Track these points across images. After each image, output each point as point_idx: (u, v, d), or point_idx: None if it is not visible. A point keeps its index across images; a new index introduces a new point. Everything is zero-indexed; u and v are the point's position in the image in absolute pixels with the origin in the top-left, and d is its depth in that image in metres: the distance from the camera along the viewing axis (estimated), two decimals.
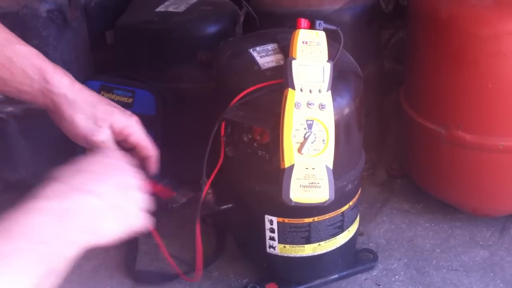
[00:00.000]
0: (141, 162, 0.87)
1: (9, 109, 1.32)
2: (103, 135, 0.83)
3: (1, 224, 0.57)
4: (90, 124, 0.82)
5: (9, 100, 1.31)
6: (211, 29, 1.38)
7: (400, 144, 1.44)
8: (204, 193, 1.03)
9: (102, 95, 1.28)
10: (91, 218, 0.63)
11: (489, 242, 1.25)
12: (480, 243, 1.25)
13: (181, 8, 1.41)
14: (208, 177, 1.02)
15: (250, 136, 0.98)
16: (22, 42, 0.83)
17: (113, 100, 1.27)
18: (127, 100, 1.25)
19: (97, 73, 1.37)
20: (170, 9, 1.42)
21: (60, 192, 0.63)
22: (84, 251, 0.62)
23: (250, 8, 1.34)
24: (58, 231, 0.59)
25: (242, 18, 1.40)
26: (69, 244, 0.60)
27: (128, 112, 0.87)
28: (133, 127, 0.86)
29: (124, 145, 0.86)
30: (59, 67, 0.83)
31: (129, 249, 1.25)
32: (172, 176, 0.94)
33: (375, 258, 1.20)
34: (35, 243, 0.57)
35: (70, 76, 0.84)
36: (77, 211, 0.62)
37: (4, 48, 0.81)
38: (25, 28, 1.25)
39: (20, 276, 0.55)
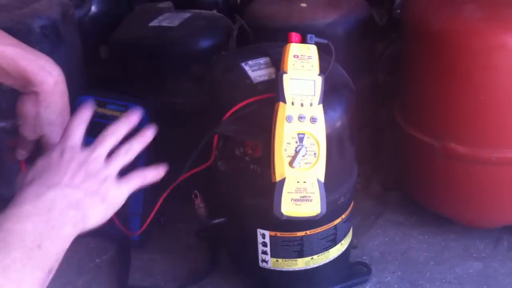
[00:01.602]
0: None
1: (1, 124, 1.32)
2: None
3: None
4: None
5: (1, 115, 1.31)
6: (205, 43, 1.39)
7: (394, 156, 1.44)
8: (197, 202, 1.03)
9: (95, 110, 1.28)
10: (73, 209, 0.64)
11: (483, 254, 1.25)
12: (474, 255, 1.25)
13: (175, 22, 1.42)
14: (199, 190, 1.03)
15: (242, 150, 0.98)
16: None
17: (105, 114, 1.28)
18: (120, 115, 1.25)
19: (90, 88, 1.37)
20: (164, 24, 1.42)
21: (37, 193, 0.63)
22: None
23: (243, 23, 1.35)
24: (48, 232, 0.60)
25: (236, 33, 1.40)
26: (62, 239, 0.61)
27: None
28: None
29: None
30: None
31: (121, 264, 1.25)
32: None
33: (368, 271, 1.20)
34: (30, 250, 0.58)
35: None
36: (58, 207, 0.63)
37: None
38: None
39: (23, 285, 0.55)
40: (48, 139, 0.80)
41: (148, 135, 0.75)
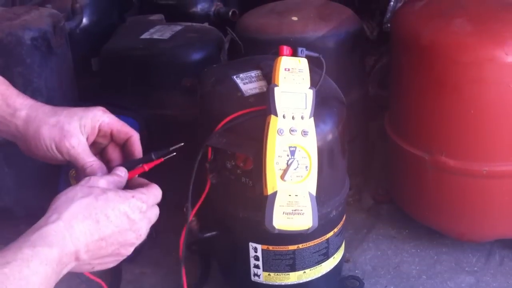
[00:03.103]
0: (125, 149, 0.82)
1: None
2: (74, 139, 0.76)
3: (11, 266, 0.58)
4: (56, 132, 0.76)
5: None
6: (196, 56, 1.39)
7: (385, 169, 1.44)
8: (190, 219, 1.02)
9: None
10: (73, 270, 0.65)
11: (475, 268, 1.25)
12: (466, 269, 1.25)
13: (166, 35, 1.42)
14: (193, 204, 1.02)
15: (234, 163, 0.98)
16: None
17: None
18: None
19: (81, 100, 1.37)
20: (155, 36, 1.42)
21: (66, 245, 0.63)
22: None
23: (235, 35, 1.35)
24: (54, 282, 0.62)
25: (227, 45, 1.41)
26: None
27: (91, 108, 0.81)
28: (101, 116, 0.79)
29: (103, 140, 0.81)
30: (22, 93, 0.80)
31: (112, 278, 1.23)
32: None
33: (361, 285, 1.19)
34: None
35: (33, 99, 0.80)
36: (67, 266, 0.64)
37: None
38: (9, 56, 1.24)
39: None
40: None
41: None
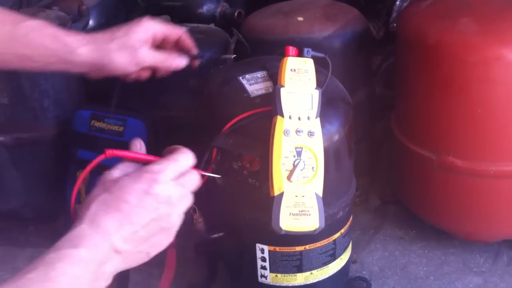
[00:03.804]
0: (179, 45, 0.99)
1: (0, 138, 1.32)
2: (141, 53, 0.92)
3: (36, 271, 0.56)
4: (125, 54, 0.91)
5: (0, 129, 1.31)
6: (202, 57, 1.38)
7: (392, 169, 1.44)
8: (197, 220, 1.02)
9: (93, 124, 1.29)
10: (120, 264, 0.63)
11: (483, 269, 1.24)
12: (474, 269, 1.24)
13: None
14: (200, 206, 1.02)
15: (240, 164, 0.98)
16: (30, 17, 0.89)
17: (104, 128, 1.28)
18: (118, 128, 1.25)
19: (88, 102, 1.37)
20: None
21: (96, 242, 0.61)
22: None
23: (240, 36, 1.35)
24: (91, 283, 0.60)
25: (233, 46, 1.40)
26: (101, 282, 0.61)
27: (140, 21, 0.95)
28: (153, 26, 0.95)
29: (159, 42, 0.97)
30: (70, 31, 0.93)
31: (120, 279, 1.23)
32: None
33: (368, 286, 1.19)
34: None
35: (80, 33, 0.94)
36: (106, 262, 0.61)
37: (17, 27, 0.85)
38: None
39: None
40: None
41: None
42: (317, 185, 0.91)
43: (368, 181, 1.48)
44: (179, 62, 0.98)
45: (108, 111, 1.07)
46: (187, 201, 0.68)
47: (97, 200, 0.64)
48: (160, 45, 0.98)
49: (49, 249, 0.59)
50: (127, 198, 0.63)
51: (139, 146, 0.71)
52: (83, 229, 0.61)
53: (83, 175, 0.70)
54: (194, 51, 1.02)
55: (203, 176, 0.74)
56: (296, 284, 1.05)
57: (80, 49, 0.89)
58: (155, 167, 0.66)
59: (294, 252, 1.02)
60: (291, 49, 0.98)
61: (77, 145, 1.30)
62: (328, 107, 0.98)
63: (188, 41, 1.01)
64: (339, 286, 1.13)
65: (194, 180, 0.69)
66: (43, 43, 0.87)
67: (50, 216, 1.39)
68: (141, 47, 0.93)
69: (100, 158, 0.68)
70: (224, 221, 1.07)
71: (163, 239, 0.66)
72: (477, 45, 1.12)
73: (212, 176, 0.86)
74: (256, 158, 0.95)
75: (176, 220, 0.66)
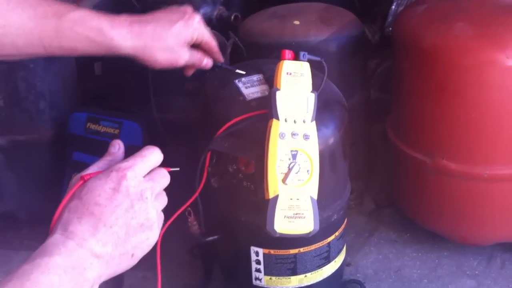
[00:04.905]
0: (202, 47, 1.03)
1: None
2: (182, 57, 0.98)
3: (11, 283, 0.55)
4: (168, 55, 0.96)
5: None
6: None
7: (387, 173, 1.44)
8: (192, 223, 1.02)
9: (89, 127, 1.29)
10: (103, 269, 0.61)
11: (476, 272, 1.25)
12: (468, 272, 1.25)
13: None
14: (195, 209, 1.02)
15: (235, 167, 0.98)
16: (72, 7, 0.88)
17: (99, 131, 1.28)
18: (114, 131, 1.25)
19: (84, 104, 1.37)
20: None
21: (70, 249, 0.59)
22: None
23: (237, 39, 1.36)
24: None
25: (229, 49, 1.41)
26: None
27: (190, 21, 0.98)
28: (198, 29, 1.00)
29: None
30: (111, 17, 0.92)
31: (115, 282, 1.23)
32: None
33: None
34: None
35: (126, 21, 0.93)
36: (86, 268, 0.60)
37: (61, 21, 0.85)
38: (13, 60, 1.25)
39: None
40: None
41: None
42: (312, 188, 0.92)
43: (363, 184, 1.48)
44: (208, 62, 1.04)
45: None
46: (162, 198, 0.67)
47: (68, 208, 0.62)
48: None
49: (23, 262, 0.58)
50: (97, 201, 0.62)
51: (117, 147, 0.70)
52: (56, 238, 0.60)
53: (64, 200, 0.68)
54: (221, 59, 1.07)
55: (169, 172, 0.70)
56: (290, 287, 1.06)
57: (125, 44, 0.91)
58: (122, 164, 0.65)
59: (288, 255, 1.03)
60: (287, 53, 0.99)
61: (72, 148, 1.30)
62: (323, 110, 0.99)
63: (218, 52, 1.06)
64: None
65: (164, 176, 0.67)
66: (88, 36, 0.88)
67: (45, 219, 1.38)
68: (182, 48, 0.98)
69: (79, 184, 0.65)
70: (219, 224, 1.08)
71: (147, 239, 0.64)
72: (472, 49, 1.13)
73: (173, 170, 0.81)
74: (251, 161, 0.96)
75: (154, 216, 0.64)
